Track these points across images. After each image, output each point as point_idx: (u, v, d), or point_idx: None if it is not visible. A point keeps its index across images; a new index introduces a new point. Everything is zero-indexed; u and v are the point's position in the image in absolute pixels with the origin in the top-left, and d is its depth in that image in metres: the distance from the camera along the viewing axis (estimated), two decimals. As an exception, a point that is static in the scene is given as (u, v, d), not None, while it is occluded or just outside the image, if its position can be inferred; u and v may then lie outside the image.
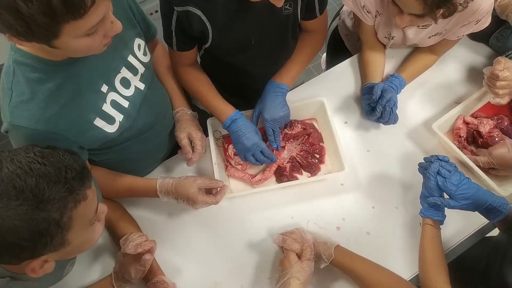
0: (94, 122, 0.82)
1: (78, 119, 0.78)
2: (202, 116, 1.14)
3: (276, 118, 1.03)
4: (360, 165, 1.08)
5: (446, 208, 0.87)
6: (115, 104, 0.85)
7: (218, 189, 0.95)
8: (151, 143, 1.02)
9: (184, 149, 0.99)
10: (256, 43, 1.01)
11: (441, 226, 0.87)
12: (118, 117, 0.86)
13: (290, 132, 1.11)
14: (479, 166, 0.99)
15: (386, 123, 1.08)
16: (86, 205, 0.62)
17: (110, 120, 0.84)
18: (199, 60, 1.16)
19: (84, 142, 0.82)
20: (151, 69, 0.97)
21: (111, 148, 0.92)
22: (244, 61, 1.07)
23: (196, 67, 1.09)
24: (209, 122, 1.09)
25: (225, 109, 1.03)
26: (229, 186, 1.07)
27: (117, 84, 0.85)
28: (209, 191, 0.96)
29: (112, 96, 0.84)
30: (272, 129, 1.03)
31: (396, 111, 1.06)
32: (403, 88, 1.11)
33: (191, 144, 1.01)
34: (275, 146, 1.06)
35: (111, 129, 0.85)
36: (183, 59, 1.05)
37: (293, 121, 1.11)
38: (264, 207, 1.04)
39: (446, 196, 0.86)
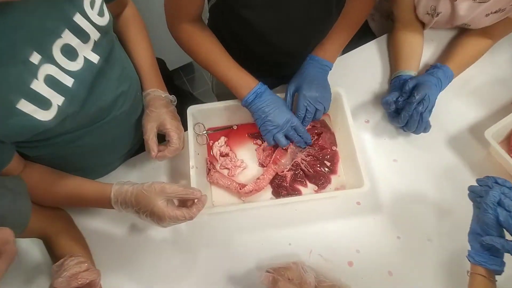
0: (18, 106, 0.57)
1: None
2: (184, 101, 0.89)
3: (317, 96, 0.78)
4: (384, 179, 0.83)
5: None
6: (51, 81, 0.60)
7: (195, 200, 0.70)
8: (109, 135, 0.77)
9: (146, 144, 0.75)
10: None
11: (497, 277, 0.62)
12: (56, 99, 0.61)
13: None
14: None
15: (414, 132, 0.84)
16: None
17: (42, 103, 0.59)
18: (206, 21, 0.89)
19: (3, 134, 0.58)
20: (111, 35, 0.72)
21: (50, 141, 0.68)
22: (266, 22, 0.80)
23: (202, 25, 0.82)
24: (189, 112, 0.84)
25: (246, 80, 0.79)
26: (210, 196, 0.82)
27: (56, 53, 0.60)
28: (183, 203, 0.72)
29: (48, 69, 0.59)
30: (307, 109, 0.78)
31: (429, 118, 0.81)
32: (449, 82, 0.85)
33: (163, 138, 0.76)
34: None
35: (44, 115, 0.60)
36: (186, 8, 0.77)
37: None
38: (254, 228, 0.80)
39: (509, 236, 0.61)
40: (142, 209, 0.67)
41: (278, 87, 0.94)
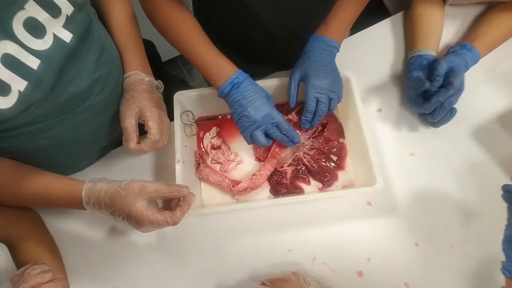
0: None
1: None
2: (175, 89, 0.78)
3: (328, 84, 0.67)
4: (399, 176, 0.72)
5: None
6: (11, 62, 0.51)
7: (181, 200, 0.60)
8: (85, 126, 0.68)
9: (125, 133, 0.65)
10: None
11: None
12: (17, 83, 0.52)
13: (295, 120, 0.74)
14: None
15: (434, 124, 0.73)
16: None
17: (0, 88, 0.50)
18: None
19: None
20: (87, 10, 0.62)
21: (14, 131, 0.59)
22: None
23: (179, 1, 0.71)
24: (176, 98, 0.74)
25: (224, 67, 0.68)
26: (200, 195, 0.72)
27: (18, 28, 0.51)
28: (168, 204, 0.62)
29: (6, 47, 0.50)
30: (319, 100, 0.67)
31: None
32: (474, 64, 0.73)
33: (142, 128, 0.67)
34: (307, 126, 0.70)
35: (2, 103, 0.51)
36: None
37: (300, 105, 0.74)
38: (248, 232, 0.70)
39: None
40: (118, 211, 0.57)
41: (281, 71, 0.83)
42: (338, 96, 0.69)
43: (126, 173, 0.75)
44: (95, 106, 0.66)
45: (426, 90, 0.70)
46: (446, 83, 0.68)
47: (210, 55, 0.69)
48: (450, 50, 0.75)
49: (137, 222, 0.57)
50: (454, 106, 0.70)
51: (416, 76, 0.70)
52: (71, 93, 0.60)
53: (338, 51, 0.72)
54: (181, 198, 0.60)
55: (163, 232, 0.70)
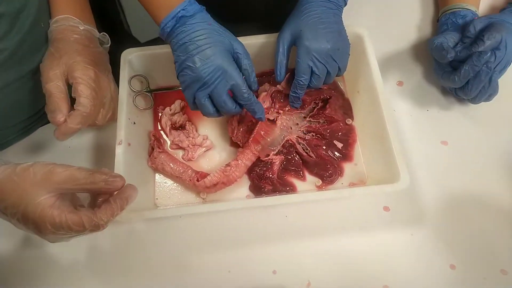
0: None
1: None
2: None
3: (328, 49, 0.47)
4: (427, 172, 0.54)
5: None
6: None
7: (113, 195, 0.41)
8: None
9: (49, 101, 0.47)
10: None
11: None
12: None
13: (286, 92, 0.55)
14: None
15: (472, 100, 0.55)
16: None
17: None
18: None
19: None
20: None
21: None
22: None
23: None
24: (125, 57, 0.54)
25: None
26: (152, 191, 0.53)
27: None
28: (95, 201, 0.42)
29: None
30: (313, 71, 0.48)
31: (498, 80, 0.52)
32: None
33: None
34: (298, 104, 0.51)
35: None
36: None
37: (292, 71, 0.54)
38: (218, 244, 0.51)
39: None
40: (10, 208, 0.38)
41: (262, 35, 0.62)
42: (340, 68, 0.49)
43: (59, 156, 0.55)
44: (9, 61, 0.47)
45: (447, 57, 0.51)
46: (478, 40, 0.49)
47: None
48: (503, 9, 0.56)
49: (36, 225, 0.37)
50: (495, 72, 0.51)
51: (438, 44, 0.52)
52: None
53: (345, 5, 0.52)
54: (115, 193, 0.40)
55: (97, 243, 0.50)
